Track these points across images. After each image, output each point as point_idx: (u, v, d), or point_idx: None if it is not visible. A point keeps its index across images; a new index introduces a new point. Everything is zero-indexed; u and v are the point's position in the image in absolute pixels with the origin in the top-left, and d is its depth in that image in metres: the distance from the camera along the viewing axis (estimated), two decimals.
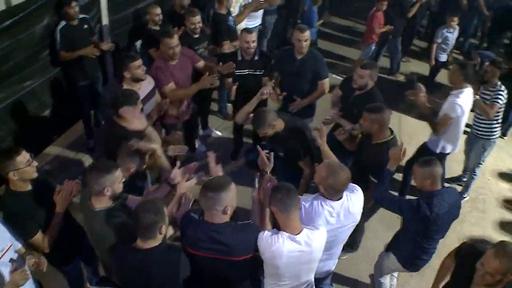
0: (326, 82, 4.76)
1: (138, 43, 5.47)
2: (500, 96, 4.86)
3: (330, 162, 3.07)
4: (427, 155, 4.17)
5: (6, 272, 2.61)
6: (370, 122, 3.66)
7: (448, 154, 4.83)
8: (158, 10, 5.13)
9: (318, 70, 4.66)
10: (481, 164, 5.36)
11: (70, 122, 5.27)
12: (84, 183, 2.89)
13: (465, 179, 5.66)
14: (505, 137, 6.84)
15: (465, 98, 4.47)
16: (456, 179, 5.78)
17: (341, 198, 2.94)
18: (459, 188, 5.39)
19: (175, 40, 4.27)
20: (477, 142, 5.17)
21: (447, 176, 5.68)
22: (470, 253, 2.82)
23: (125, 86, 3.90)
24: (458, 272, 2.92)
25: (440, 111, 4.56)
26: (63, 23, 4.56)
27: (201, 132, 5.83)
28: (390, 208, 3.41)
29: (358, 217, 3.09)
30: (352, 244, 4.53)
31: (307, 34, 4.54)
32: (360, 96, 4.28)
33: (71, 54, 4.65)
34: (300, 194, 2.98)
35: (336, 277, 4.23)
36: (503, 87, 4.91)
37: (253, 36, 4.68)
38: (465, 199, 5.48)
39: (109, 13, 5.25)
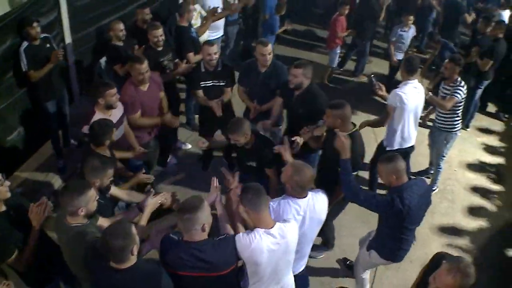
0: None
1: (103, 60, 5.48)
2: (459, 91, 5.01)
3: (295, 162, 3.23)
4: (385, 152, 4.38)
5: None
6: (333, 118, 3.79)
7: (408, 149, 4.97)
8: (121, 26, 5.16)
9: (282, 81, 4.68)
10: (444, 156, 5.53)
11: (38, 143, 5.20)
12: (56, 204, 2.91)
13: (432, 171, 5.85)
14: (468, 129, 7.14)
15: (409, 90, 4.65)
16: (424, 172, 5.97)
17: (306, 196, 3.08)
18: (427, 181, 5.54)
19: (145, 66, 4.32)
20: (440, 135, 5.35)
21: (415, 170, 5.89)
22: (437, 264, 2.76)
23: (98, 112, 3.98)
24: (423, 281, 2.93)
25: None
26: (25, 43, 4.53)
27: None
28: (366, 205, 3.49)
29: (323, 216, 3.24)
30: (326, 242, 4.64)
31: (269, 47, 4.64)
32: (300, 95, 4.40)
33: (39, 73, 4.62)
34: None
35: (314, 276, 4.31)
36: (463, 83, 5.07)
37: (215, 48, 4.75)
38: (435, 191, 5.66)
39: (72, 31, 5.26)
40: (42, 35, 4.68)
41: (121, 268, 2.46)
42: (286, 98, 4.58)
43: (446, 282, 2.37)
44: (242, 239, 2.71)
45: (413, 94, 4.66)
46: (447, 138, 5.34)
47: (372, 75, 5.28)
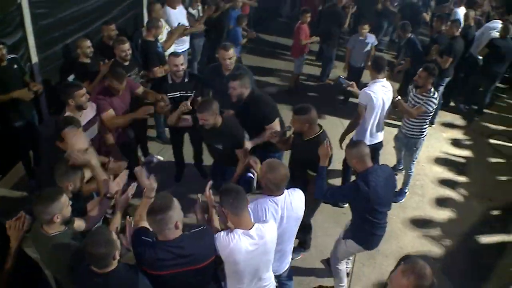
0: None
1: (71, 78, 5.47)
2: (431, 103, 5.03)
3: (269, 160, 3.30)
4: None
5: None
6: (300, 123, 3.89)
7: (376, 145, 5.18)
8: (88, 43, 5.18)
9: None
10: (414, 160, 5.64)
11: (9, 164, 5.15)
12: (33, 217, 2.91)
13: (400, 168, 6.03)
14: (433, 125, 7.40)
15: (377, 88, 4.86)
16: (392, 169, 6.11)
17: (282, 193, 3.16)
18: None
19: (123, 86, 4.52)
20: (409, 142, 5.41)
21: None
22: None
23: (68, 113, 4.01)
24: None
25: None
26: None
27: (142, 159, 5.83)
28: (334, 198, 3.64)
29: (301, 212, 3.31)
30: (303, 243, 4.72)
31: (231, 52, 4.75)
32: (244, 106, 4.42)
33: (5, 96, 4.58)
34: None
35: (293, 276, 4.39)
36: (436, 94, 5.10)
37: (181, 59, 4.82)
38: (406, 193, 5.80)
39: (38, 51, 5.22)
40: (9, 56, 4.65)
41: (104, 272, 2.50)
42: (235, 110, 4.59)
43: (400, 284, 2.34)
44: (222, 239, 2.76)
45: (381, 92, 4.87)
46: (416, 145, 5.41)
47: (340, 76, 5.43)
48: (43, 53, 5.33)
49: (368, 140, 4.97)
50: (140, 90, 4.88)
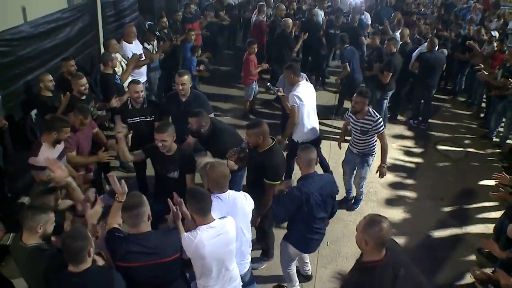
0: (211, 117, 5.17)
1: (33, 113, 5.66)
2: (382, 124, 5.24)
3: (211, 161, 3.69)
4: (294, 146, 5.17)
5: None
6: (254, 136, 4.16)
7: (314, 140, 5.61)
8: (50, 77, 5.43)
9: (202, 107, 4.97)
10: (365, 177, 5.81)
11: None
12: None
13: (352, 195, 6.12)
14: None
15: (302, 89, 5.47)
16: (344, 201, 6.06)
17: (225, 191, 3.51)
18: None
19: (88, 121, 4.83)
20: (363, 160, 5.57)
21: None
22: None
23: (44, 144, 4.32)
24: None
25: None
26: None
27: (107, 187, 5.92)
28: (283, 209, 3.87)
29: (248, 209, 3.60)
30: (266, 252, 4.90)
31: (185, 78, 5.08)
32: (206, 137, 4.66)
33: None
34: None
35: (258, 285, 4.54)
36: (376, 114, 5.25)
37: (140, 87, 5.19)
38: (361, 201, 6.06)
39: (0, 87, 5.42)
40: None
41: (77, 271, 2.68)
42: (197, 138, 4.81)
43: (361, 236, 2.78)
44: (186, 239, 3.05)
45: (306, 91, 5.48)
46: (368, 161, 5.56)
47: (268, 84, 5.86)
48: (5, 89, 5.51)
49: (306, 136, 5.50)
50: (95, 130, 5.21)
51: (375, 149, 5.53)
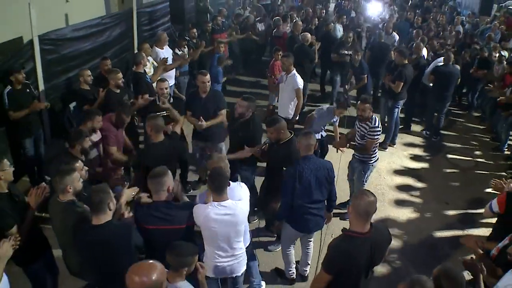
0: (224, 112, 5.80)
1: (71, 105, 6.31)
2: (377, 133, 5.46)
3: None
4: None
5: None
6: (275, 131, 4.74)
7: None
8: (88, 72, 6.12)
9: (218, 103, 5.74)
10: (365, 183, 5.93)
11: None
12: (51, 187, 3.67)
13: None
14: (394, 146, 8.26)
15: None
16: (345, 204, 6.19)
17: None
18: None
19: (128, 119, 5.41)
20: (359, 166, 5.77)
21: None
22: None
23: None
24: None
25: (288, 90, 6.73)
26: (9, 87, 5.36)
27: None
28: (288, 188, 4.27)
29: (244, 197, 3.89)
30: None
31: (207, 77, 5.69)
32: (243, 123, 5.22)
33: (19, 113, 5.41)
34: None
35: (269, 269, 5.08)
36: (378, 122, 5.47)
37: (165, 84, 5.82)
38: None
39: (45, 80, 6.14)
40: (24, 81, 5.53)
41: (100, 223, 3.17)
42: (230, 125, 5.48)
43: None
44: (198, 208, 3.53)
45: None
46: (364, 169, 5.71)
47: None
48: (49, 83, 6.24)
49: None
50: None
51: (373, 159, 5.69)
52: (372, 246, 3.21)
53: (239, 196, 3.78)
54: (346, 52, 9.15)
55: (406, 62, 7.70)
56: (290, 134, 4.85)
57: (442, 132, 8.97)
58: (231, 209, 3.53)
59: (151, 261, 2.56)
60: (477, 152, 8.42)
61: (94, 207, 3.20)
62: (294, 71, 6.78)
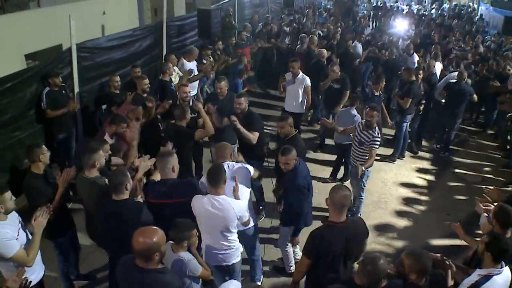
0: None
1: (103, 107, 7.03)
2: (378, 143, 5.89)
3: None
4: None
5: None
6: (288, 125, 5.35)
7: None
8: (118, 78, 6.82)
9: (231, 105, 6.21)
10: (363, 188, 6.30)
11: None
12: (78, 169, 4.35)
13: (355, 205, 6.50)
14: (403, 158, 8.60)
15: None
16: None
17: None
18: None
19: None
20: (353, 170, 6.12)
21: None
22: None
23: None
24: None
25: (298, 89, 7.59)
26: (47, 89, 6.09)
27: None
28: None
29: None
30: None
31: (223, 83, 6.36)
32: (243, 117, 5.87)
33: (56, 112, 6.14)
34: None
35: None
36: (378, 133, 5.90)
37: (188, 89, 6.45)
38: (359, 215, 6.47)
39: (80, 84, 6.88)
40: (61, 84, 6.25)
41: (119, 199, 3.77)
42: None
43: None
44: (196, 198, 3.94)
45: None
46: (358, 173, 5.81)
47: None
48: (83, 86, 6.99)
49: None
50: None
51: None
52: (347, 236, 3.62)
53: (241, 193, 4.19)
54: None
55: (414, 78, 8.06)
56: (295, 131, 5.47)
57: (454, 147, 9.19)
58: (221, 205, 3.85)
59: (153, 227, 3.12)
60: (486, 168, 8.60)
61: (113, 187, 3.78)
62: (301, 72, 7.68)
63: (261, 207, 6.28)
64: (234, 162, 4.59)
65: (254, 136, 5.74)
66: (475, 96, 8.53)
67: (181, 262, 3.48)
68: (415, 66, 9.50)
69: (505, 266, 3.49)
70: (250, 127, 5.78)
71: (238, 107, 5.85)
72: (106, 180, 4.13)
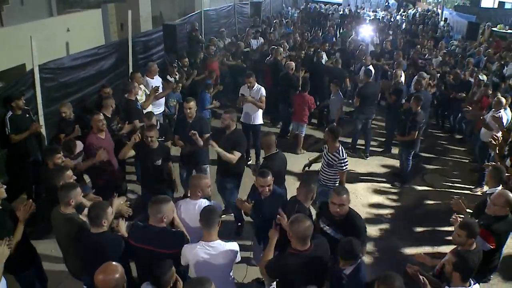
0: (206, 136, 6.23)
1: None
2: (344, 164, 5.73)
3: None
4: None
5: None
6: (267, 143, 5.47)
7: None
8: (68, 105, 6.60)
9: (202, 128, 6.23)
10: None
11: (14, 195, 6.15)
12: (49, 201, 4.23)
13: None
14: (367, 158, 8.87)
15: None
16: None
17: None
18: None
19: (101, 117, 5.96)
20: (323, 191, 5.85)
21: None
22: None
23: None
24: None
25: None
26: (10, 113, 5.94)
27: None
28: None
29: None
30: None
31: (191, 103, 6.23)
32: (229, 135, 5.93)
33: (20, 136, 5.98)
34: None
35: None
36: (344, 154, 5.76)
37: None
38: None
39: (44, 106, 6.71)
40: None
41: (96, 232, 3.71)
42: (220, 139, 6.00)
43: None
44: (186, 248, 3.72)
45: None
46: (325, 194, 5.52)
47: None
48: (48, 108, 6.81)
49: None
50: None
51: (336, 183, 5.87)
52: (309, 261, 3.61)
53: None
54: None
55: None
56: (276, 150, 5.45)
57: (422, 154, 9.38)
58: (214, 249, 3.67)
59: (114, 263, 3.06)
60: (455, 173, 8.80)
61: (91, 220, 3.73)
62: (257, 84, 7.98)
63: (239, 224, 6.23)
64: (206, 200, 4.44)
65: (234, 157, 5.69)
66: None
67: None
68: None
69: (474, 284, 3.53)
70: (235, 146, 5.74)
71: (223, 123, 5.90)
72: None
